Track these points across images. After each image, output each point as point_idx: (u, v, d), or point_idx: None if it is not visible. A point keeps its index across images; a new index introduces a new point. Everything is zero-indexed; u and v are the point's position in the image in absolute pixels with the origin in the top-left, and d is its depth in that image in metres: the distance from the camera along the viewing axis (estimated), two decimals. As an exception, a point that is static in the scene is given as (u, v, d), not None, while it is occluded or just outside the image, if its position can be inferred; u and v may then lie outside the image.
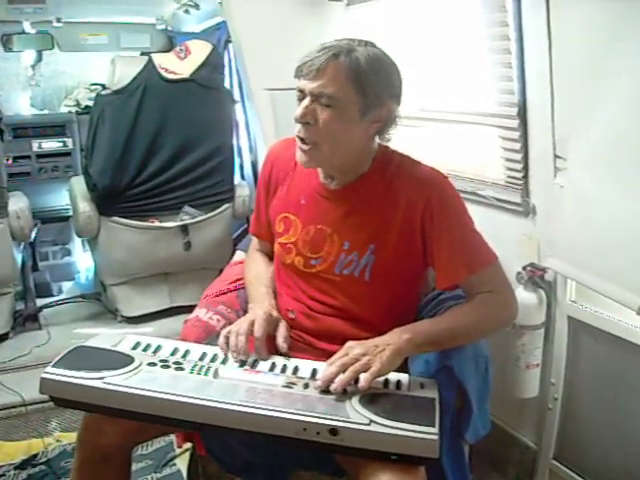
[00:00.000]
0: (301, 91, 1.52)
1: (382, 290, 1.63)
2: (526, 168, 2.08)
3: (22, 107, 4.65)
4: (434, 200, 1.56)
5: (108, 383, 1.35)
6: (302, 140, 1.54)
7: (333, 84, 1.47)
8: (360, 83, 1.48)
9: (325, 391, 1.37)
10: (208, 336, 1.80)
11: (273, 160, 1.80)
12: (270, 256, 1.87)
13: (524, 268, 2.06)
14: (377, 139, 1.62)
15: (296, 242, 1.68)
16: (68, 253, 4.43)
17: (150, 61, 3.32)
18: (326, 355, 1.53)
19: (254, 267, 1.87)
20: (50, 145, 4.23)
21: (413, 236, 1.59)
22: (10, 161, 4.08)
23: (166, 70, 3.31)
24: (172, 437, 2.45)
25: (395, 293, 1.65)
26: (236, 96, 3.66)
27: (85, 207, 3.31)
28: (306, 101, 1.50)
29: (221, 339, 1.56)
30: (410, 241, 1.59)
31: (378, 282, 1.61)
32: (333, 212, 1.65)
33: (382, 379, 1.43)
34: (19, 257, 3.49)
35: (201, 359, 1.51)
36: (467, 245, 1.58)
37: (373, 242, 1.60)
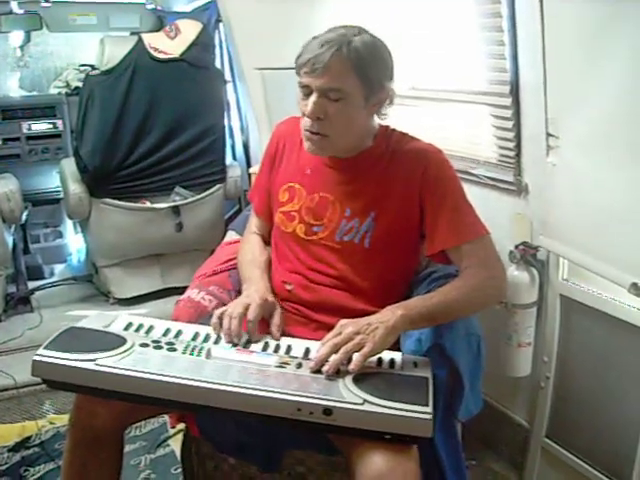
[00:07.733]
0: (306, 87, 1.55)
1: (380, 258, 1.67)
2: (518, 146, 2.08)
3: (11, 89, 4.58)
4: (431, 169, 1.63)
5: (100, 365, 1.34)
6: (310, 132, 1.58)
7: (340, 79, 1.51)
8: (363, 72, 1.52)
9: (318, 371, 1.37)
10: (200, 316, 1.79)
11: (280, 135, 1.85)
12: (266, 239, 1.89)
13: (516, 247, 2.07)
14: (375, 117, 1.67)
15: (300, 209, 1.72)
16: (59, 235, 4.40)
17: (140, 41, 3.29)
18: (322, 327, 1.59)
19: (249, 249, 1.87)
20: (40, 127, 4.18)
21: (411, 205, 1.64)
22: (-1, 143, 4.05)
23: (156, 50, 3.29)
24: (165, 418, 2.46)
25: (392, 263, 1.69)
26: (227, 76, 3.63)
27: (76, 189, 3.30)
28: (314, 97, 1.53)
29: (214, 319, 1.56)
30: (409, 210, 1.65)
31: (377, 249, 1.65)
32: (336, 180, 1.70)
33: (375, 358, 1.43)
34: (10, 240, 3.47)
35: (193, 339, 1.51)
36: (458, 214, 1.62)
37: (374, 209, 1.65)
